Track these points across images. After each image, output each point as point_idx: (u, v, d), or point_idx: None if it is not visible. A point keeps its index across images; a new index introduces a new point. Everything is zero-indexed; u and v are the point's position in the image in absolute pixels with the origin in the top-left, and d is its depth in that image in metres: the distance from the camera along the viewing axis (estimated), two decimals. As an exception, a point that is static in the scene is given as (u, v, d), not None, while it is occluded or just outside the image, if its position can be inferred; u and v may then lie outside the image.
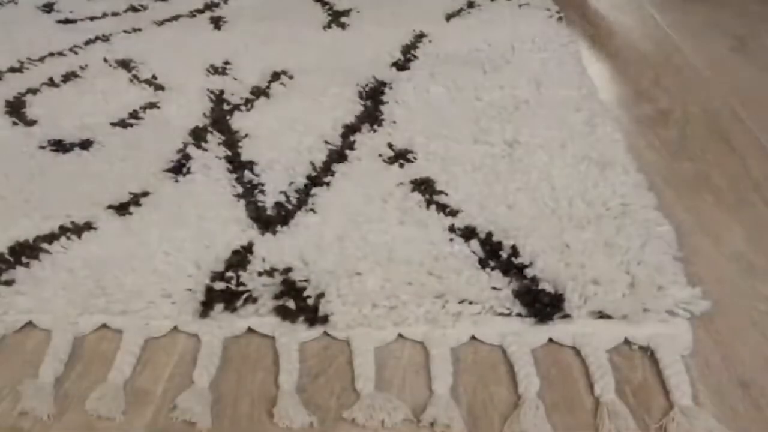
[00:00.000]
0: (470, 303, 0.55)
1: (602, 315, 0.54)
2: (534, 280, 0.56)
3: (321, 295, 0.56)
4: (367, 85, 0.94)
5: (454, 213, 0.66)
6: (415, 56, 1.03)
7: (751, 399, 0.48)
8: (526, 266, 0.58)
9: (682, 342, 0.52)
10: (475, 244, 0.61)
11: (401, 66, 1.00)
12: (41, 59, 1.10)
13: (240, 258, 0.61)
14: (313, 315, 0.55)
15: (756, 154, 0.77)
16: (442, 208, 0.66)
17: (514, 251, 0.60)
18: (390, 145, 0.78)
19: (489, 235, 0.62)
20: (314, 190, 0.71)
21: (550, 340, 0.53)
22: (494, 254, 0.60)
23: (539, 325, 0.54)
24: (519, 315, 0.55)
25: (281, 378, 0.51)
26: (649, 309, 0.53)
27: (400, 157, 0.76)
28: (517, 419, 0.47)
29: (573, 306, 0.54)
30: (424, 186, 0.70)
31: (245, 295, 0.57)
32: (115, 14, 1.34)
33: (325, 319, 0.55)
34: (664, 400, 0.48)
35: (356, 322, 0.55)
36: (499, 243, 0.61)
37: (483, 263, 0.59)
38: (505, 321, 0.55)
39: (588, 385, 0.50)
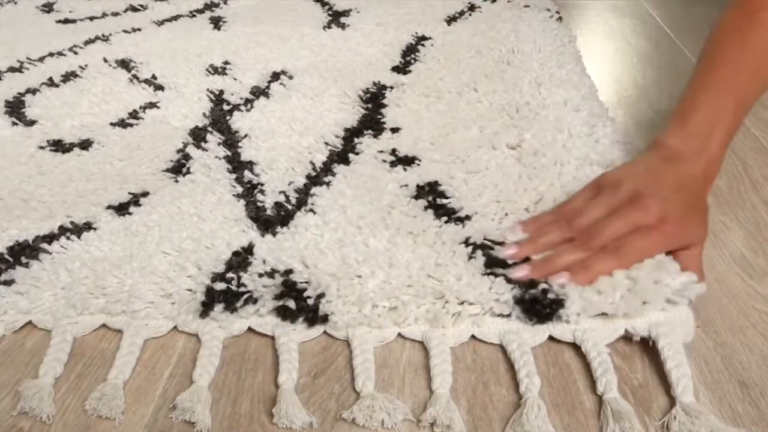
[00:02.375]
0: (470, 304, 0.55)
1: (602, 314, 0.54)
2: (534, 284, 0.56)
3: (321, 296, 0.56)
4: (367, 87, 0.94)
5: (459, 219, 0.65)
6: (416, 59, 1.03)
7: (751, 399, 0.48)
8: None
9: (683, 329, 0.52)
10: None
11: (402, 68, 1.00)
12: (41, 59, 1.11)
13: (240, 259, 0.61)
14: (313, 315, 0.55)
15: (756, 154, 0.77)
16: (445, 212, 0.66)
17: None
18: (393, 151, 0.78)
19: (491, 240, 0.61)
20: (314, 190, 0.71)
21: (550, 337, 0.53)
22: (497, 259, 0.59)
23: (539, 324, 0.54)
24: (519, 318, 0.54)
25: (281, 378, 0.51)
26: (648, 302, 0.53)
27: (402, 161, 0.76)
28: (519, 420, 0.47)
29: (572, 312, 0.53)
30: (428, 189, 0.70)
31: (246, 296, 0.57)
32: (115, 14, 1.34)
33: (325, 319, 0.55)
34: (664, 400, 0.48)
35: (356, 322, 0.55)
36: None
37: (487, 266, 0.58)
38: (504, 321, 0.55)
39: (588, 384, 0.50)
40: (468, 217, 0.65)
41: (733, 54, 0.55)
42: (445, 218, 0.65)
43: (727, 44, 0.56)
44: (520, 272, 0.55)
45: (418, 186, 0.70)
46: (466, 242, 0.61)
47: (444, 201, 0.67)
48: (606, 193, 0.58)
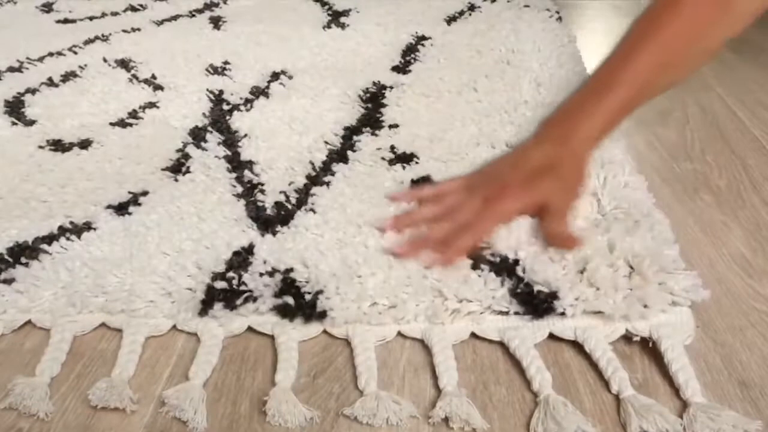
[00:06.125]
0: (468, 301, 0.55)
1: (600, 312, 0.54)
2: (527, 283, 0.56)
3: (320, 292, 0.56)
4: (367, 86, 0.94)
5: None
6: (415, 59, 1.03)
7: (751, 399, 0.48)
8: (518, 265, 0.57)
9: (684, 330, 0.52)
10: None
11: (402, 68, 1.00)
12: (40, 59, 1.11)
13: (241, 259, 0.61)
14: (311, 311, 0.55)
15: (756, 154, 0.77)
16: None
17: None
18: (392, 148, 0.78)
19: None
20: (314, 190, 0.71)
21: (551, 336, 0.53)
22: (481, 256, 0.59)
23: (537, 320, 0.54)
24: (517, 313, 0.54)
25: (278, 376, 0.51)
26: (649, 306, 0.53)
27: (402, 159, 0.76)
28: (548, 418, 0.46)
29: (567, 304, 0.53)
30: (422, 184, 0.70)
31: (246, 294, 0.56)
32: (114, 14, 1.34)
33: (323, 315, 0.55)
34: (664, 400, 0.48)
35: (355, 319, 0.55)
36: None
37: (474, 266, 0.58)
38: (503, 318, 0.54)
39: (588, 384, 0.50)
40: None
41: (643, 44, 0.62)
42: None
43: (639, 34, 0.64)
44: (396, 249, 0.59)
45: (412, 180, 0.71)
46: None
47: None
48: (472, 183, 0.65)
